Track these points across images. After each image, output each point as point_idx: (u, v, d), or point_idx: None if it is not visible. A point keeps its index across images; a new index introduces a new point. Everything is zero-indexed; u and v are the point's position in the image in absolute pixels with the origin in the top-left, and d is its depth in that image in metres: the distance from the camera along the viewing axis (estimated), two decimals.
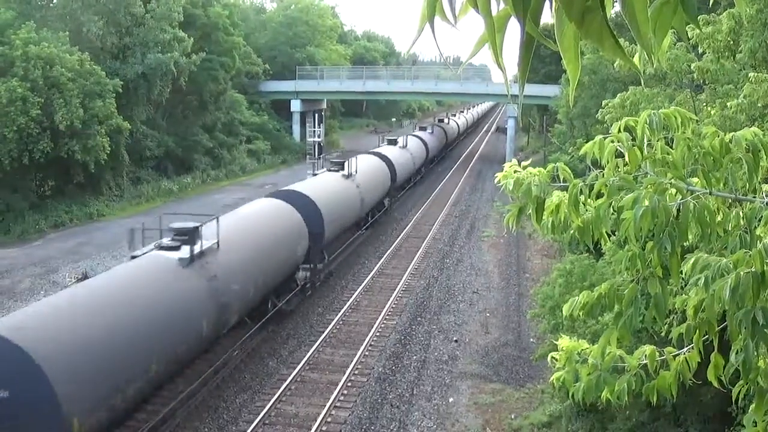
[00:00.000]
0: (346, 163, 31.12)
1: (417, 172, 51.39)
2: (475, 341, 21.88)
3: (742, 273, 3.30)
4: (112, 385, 12.69)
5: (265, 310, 21.07)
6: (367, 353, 20.49)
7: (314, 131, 56.51)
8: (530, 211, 3.75)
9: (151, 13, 47.27)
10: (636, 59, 2.59)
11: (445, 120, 75.88)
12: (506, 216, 3.87)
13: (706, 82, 12.59)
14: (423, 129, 61.18)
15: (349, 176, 30.82)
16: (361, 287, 26.33)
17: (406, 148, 46.41)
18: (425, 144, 53.30)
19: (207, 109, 55.35)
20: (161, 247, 16.73)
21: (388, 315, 23.65)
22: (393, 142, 46.30)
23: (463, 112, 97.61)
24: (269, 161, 61.41)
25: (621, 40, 1.80)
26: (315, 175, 30.22)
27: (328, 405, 17.03)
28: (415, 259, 30.71)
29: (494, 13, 1.57)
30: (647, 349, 4.04)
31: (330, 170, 31.13)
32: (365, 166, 34.35)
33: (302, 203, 23.90)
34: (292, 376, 18.65)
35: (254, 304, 19.74)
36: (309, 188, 26.09)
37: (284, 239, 21.72)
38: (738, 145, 3.58)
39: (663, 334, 6.86)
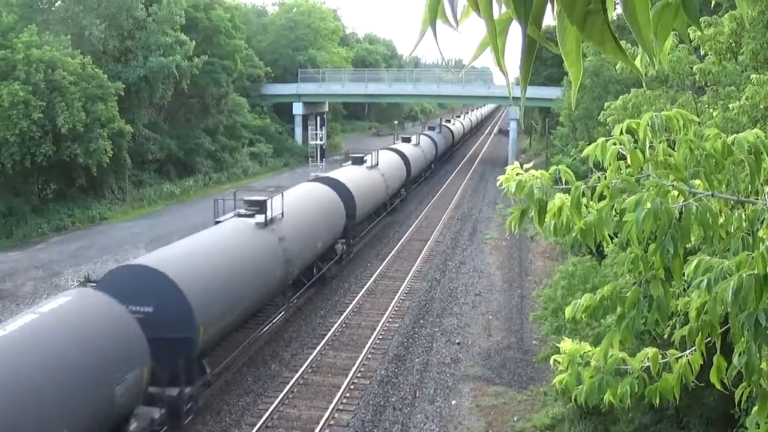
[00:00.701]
0: (268, 203, 21.02)
1: (393, 197, 39.86)
2: (477, 344, 21.86)
3: (744, 275, 3.29)
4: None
5: None
6: (369, 356, 20.48)
7: (316, 134, 56.62)
8: (533, 213, 3.75)
9: (152, 16, 47.35)
10: (638, 61, 2.59)
11: (436, 128, 65.56)
12: (509, 218, 3.87)
13: (708, 84, 12.57)
14: (406, 140, 50.63)
15: (267, 224, 20.56)
16: (363, 290, 26.31)
17: (376, 169, 35.61)
18: (406, 160, 43.05)
19: (209, 112, 55.42)
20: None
21: (390, 318, 23.64)
22: (359, 161, 35.05)
23: (460, 116, 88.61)
24: (271, 164, 61.46)
25: (623, 43, 1.80)
26: (217, 222, 20.57)
27: (330, 408, 17.02)
28: (418, 261, 30.69)
29: (496, 16, 1.57)
30: (650, 351, 4.04)
31: (241, 215, 20.92)
32: (302, 201, 24.74)
33: (154, 290, 14.86)
34: (294, 379, 18.65)
35: None
36: (172, 259, 16.44)
37: (84, 367, 12.03)
38: (740, 147, 3.58)
39: (665, 336, 6.85)
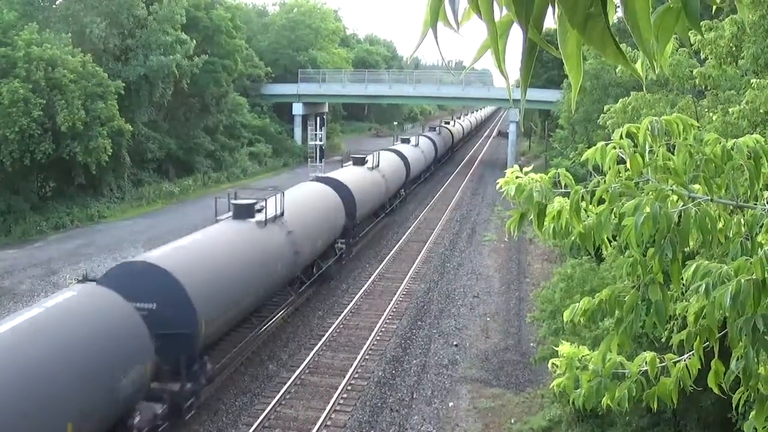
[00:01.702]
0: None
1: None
2: (475, 345, 21.86)
3: (742, 280, 3.29)
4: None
5: None
6: (367, 357, 20.47)
7: (316, 134, 56.54)
8: (532, 217, 3.75)
9: (153, 15, 47.32)
10: (638, 65, 2.58)
11: (412, 140, 49.23)
12: (508, 222, 3.87)
13: (708, 88, 12.59)
14: (359, 162, 34.77)
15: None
16: (361, 291, 26.30)
17: (280, 225, 21.71)
18: (346, 193, 29.10)
19: (209, 112, 55.41)
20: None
21: (388, 319, 23.62)
22: (247, 213, 20.93)
23: (449, 122, 75.35)
24: (271, 164, 61.45)
25: (623, 46, 1.80)
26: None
27: (327, 408, 17.01)
28: (416, 263, 30.69)
29: (497, 19, 1.57)
30: (648, 355, 4.03)
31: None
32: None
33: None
34: (291, 379, 18.63)
35: None
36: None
37: None
38: (739, 151, 3.58)
39: (663, 340, 6.86)
